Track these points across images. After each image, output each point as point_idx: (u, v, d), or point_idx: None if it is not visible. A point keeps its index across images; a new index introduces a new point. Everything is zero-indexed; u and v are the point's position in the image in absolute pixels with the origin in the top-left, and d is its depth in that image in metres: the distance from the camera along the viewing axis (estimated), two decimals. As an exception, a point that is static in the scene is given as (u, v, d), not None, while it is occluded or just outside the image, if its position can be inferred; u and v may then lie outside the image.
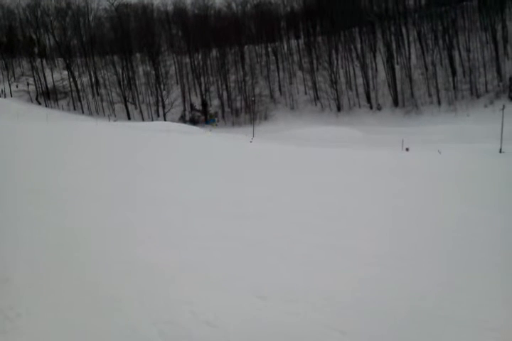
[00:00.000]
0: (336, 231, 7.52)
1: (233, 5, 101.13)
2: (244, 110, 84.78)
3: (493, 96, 68.78)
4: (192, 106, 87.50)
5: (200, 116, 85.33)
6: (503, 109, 52.80)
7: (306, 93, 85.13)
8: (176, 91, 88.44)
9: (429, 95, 74.57)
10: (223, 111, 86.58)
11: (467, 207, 11.12)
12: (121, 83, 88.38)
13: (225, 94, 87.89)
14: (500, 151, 41.27)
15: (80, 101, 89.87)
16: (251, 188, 12.47)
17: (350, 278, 5.14)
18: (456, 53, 75.31)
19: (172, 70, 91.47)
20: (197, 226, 7.08)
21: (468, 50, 74.92)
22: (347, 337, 3.73)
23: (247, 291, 4.53)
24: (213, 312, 4.04)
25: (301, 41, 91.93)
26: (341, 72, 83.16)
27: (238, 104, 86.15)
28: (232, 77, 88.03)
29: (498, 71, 70.68)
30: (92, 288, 4.36)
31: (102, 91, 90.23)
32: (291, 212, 9.16)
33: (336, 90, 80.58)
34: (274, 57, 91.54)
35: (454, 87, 73.14)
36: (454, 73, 74.28)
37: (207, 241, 6.24)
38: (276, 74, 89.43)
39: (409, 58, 78.25)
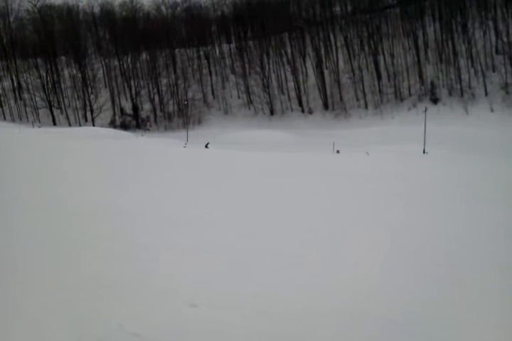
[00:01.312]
0: (272, 235, 7.46)
1: (162, 8, 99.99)
2: (177, 114, 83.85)
3: (416, 100, 72.43)
4: (122, 111, 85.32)
5: (132, 121, 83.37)
6: (425, 111, 55.75)
7: (239, 97, 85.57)
8: (104, 95, 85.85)
9: (357, 99, 77.29)
10: (155, 116, 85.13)
11: (404, 204, 11.50)
12: (46, 87, 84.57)
13: (156, 98, 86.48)
14: (424, 152, 43.45)
15: (2, 106, 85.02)
16: (190, 194, 12.20)
17: (286, 283, 5.06)
18: (381, 58, 78.62)
19: (100, 73, 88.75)
20: (138, 236, 6.75)
21: (392, 56, 78.47)
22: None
23: (179, 300, 4.35)
24: (143, 324, 3.83)
25: (233, 45, 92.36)
26: (273, 76, 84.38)
27: (171, 108, 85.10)
28: (164, 81, 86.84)
29: (420, 75, 74.56)
30: (15, 302, 3.99)
31: (25, 95, 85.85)
32: (230, 217, 9.02)
33: (269, 94, 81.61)
34: (206, 61, 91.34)
35: (380, 91, 76.29)
36: (379, 77, 77.49)
37: (141, 251, 5.98)
38: (209, 78, 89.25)
39: (337, 63, 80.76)
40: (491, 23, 72.94)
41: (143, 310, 4.08)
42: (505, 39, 70.30)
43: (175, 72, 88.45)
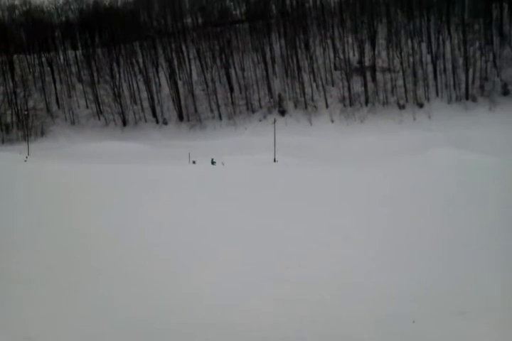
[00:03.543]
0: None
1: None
2: (17, 125, 76.45)
3: (266, 111, 75.83)
4: (-50, 122, 75.33)
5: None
6: (274, 122, 58.78)
7: (87, 107, 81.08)
8: None
9: (211, 110, 78.35)
10: (-10, 127, 76.59)
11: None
12: None
13: (-9, 107, 77.95)
14: (275, 160, 45.54)
15: None
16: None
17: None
18: (232, 71, 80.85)
19: None
20: None
21: (243, 69, 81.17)
22: None
23: None
24: None
25: (79, 52, 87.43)
26: (124, 85, 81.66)
27: (9, 119, 77.31)
28: (0, 89, 78.77)
29: (269, 88, 78.27)
30: None
31: None
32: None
33: (120, 104, 78.72)
34: (49, 68, 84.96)
35: (233, 103, 78.34)
36: (231, 90, 79.59)
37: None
38: (53, 86, 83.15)
39: (191, 74, 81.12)
40: (329, 41, 79.59)
41: None
42: (341, 56, 77.19)
43: (13, 79, 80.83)
